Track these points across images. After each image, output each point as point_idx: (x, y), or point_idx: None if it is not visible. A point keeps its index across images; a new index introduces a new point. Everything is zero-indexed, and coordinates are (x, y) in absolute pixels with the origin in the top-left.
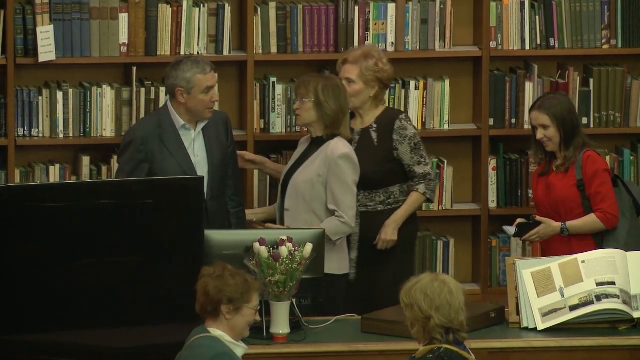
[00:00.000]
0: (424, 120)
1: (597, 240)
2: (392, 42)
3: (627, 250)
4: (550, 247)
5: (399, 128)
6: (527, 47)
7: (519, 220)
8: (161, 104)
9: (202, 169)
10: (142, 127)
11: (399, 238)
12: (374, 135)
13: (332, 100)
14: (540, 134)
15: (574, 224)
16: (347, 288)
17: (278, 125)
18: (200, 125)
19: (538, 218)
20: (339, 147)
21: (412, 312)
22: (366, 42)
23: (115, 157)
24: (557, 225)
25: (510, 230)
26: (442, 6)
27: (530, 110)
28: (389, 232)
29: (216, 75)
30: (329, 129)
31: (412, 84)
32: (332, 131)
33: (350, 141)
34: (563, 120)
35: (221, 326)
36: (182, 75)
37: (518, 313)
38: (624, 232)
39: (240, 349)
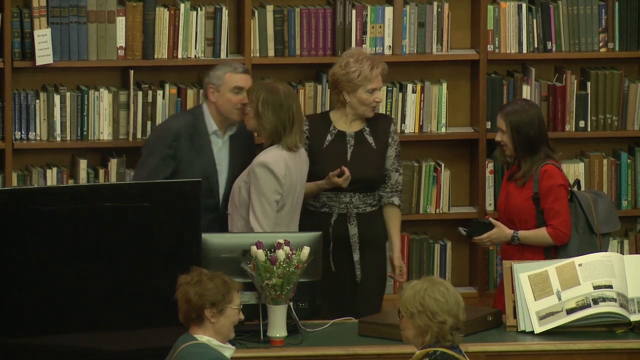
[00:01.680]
0: (421, 124)
1: (548, 254)
2: (390, 46)
3: None
4: (505, 255)
5: (393, 132)
6: (525, 51)
7: (473, 220)
8: (158, 107)
9: (222, 177)
10: (177, 122)
11: (380, 235)
12: (370, 139)
13: (269, 113)
14: (498, 137)
15: (525, 234)
16: (354, 289)
17: None
18: (228, 134)
19: (492, 221)
20: (262, 155)
21: (422, 319)
22: (363, 45)
23: (112, 161)
24: (509, 232)
25: (464, 231)
26: (439, 9)
27: (499, 113)
28: (400, 259)
29: (250, 80)
30: (269, 139)
31: (410, 87)
32: (272, 141)
33: (291, 150)
34: (518, 130)
35: (207, 331)
36: (214, 73)
37: (515, 316)
38: (575, 248)
39: (228, 351)
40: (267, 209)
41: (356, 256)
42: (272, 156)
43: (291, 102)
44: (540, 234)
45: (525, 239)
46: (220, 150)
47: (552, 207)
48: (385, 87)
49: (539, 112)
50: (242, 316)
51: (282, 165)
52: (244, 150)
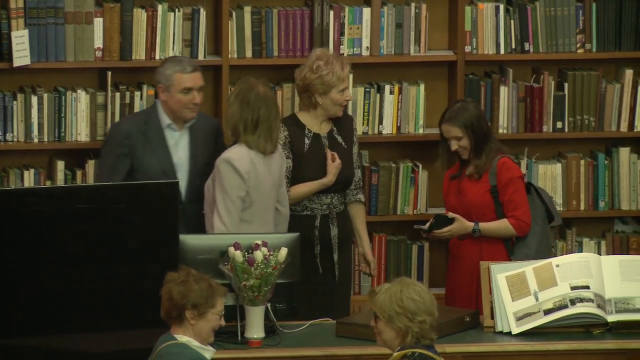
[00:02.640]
0: (398, 125)
1: (508, 246)
2: (367, 47)
3: (536, 257)
4: (459, 251)
5: (355, 130)
6: (502, 52)
7: (436, 214)
8: (136, 108)
9: (182, 170)
10: (128, 122)
11: (351, 233)
12: (339, 138)
13: (236, 106)
14: (454, 146)
15: (486, 226)
16: (332, 289)
17: None
18: (186, 125)
19: (451, 215)
20: (226, 152)
21: (402, 321)
22: (341, 46)
23: (90, 162)
24: (469, 224)
25: (424, 226)
26: (417, 10)
27: (440, 122)
28: (371, 254)
29: (200, 77)
30: (229, 133)
31: (387, 88)
32: (232, 136)
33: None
34: (473, 128)
35: (187, 332)
36: (163, 72)
37: (492, 317)
38: (534, 239)
39: (208, 353)
40: (230, 205)
41: (336, 256)
42: (236, 153)
43: (260, 105)
44: (503, 225)
45: (486, 230)
46: (178, 143)
47: (513, 198)
48: (363, 88)
49: (478, 105)
50: (222, 322)
51: (246, 162)
52: (208, 142)
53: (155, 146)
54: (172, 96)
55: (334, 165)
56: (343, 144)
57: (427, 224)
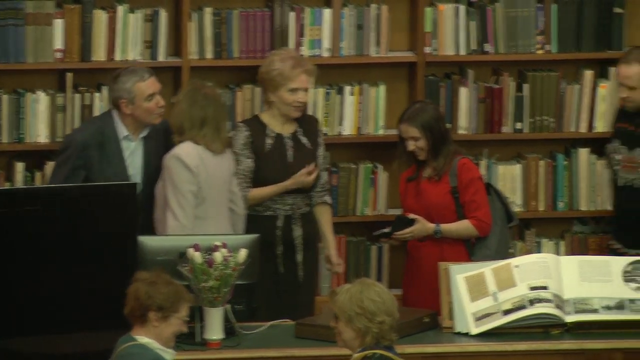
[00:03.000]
0: (359, 126)
1: (468, 246)
2: (328, 48)
3: (496, 257)
4: (419, 252)
5: (320, 132)
6: (462, 53)
7: (397, 216)
8: (96, 110)
9: (137, 180)
10: (83, 132)
11: (317, 234)
12: (304, 139)
13: (182, 105)
14: (411, 146)
15: (447, 227)
16: (297, 289)
17: None
18: (141, 136)
19: (412, 216)
20: (173, 149)
21: (362, 321)
22: (301, 47)
23: (49, 164)
24: (431, 226)
25: (385, 229)
26: (377, 12)
27: (399, 122)
28: (337, 256)
29: (157, 80)
30: (175, 131)
31: (348, 89)
32: (179, 136)
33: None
34: (431, 129)
35: (149, 333)
36: (122, 87)
37: (451, 318)
38: (494, 239)
39: (168, 355)
40: (182, 200)
41: (300, 257)
42: (184, 148)
43: (208, 104)
44: (464, 226)
45: (448, 231)
46: (133, 153)
47: (474, 199)
48: (324, 89)
49: (437, 107)
50: (185, 328)
51: (194, 156)
52: (160, 151)
53: (112, 158)
54: (139, 106)
55: (302, 174)
56: (308, 145)
57: (389, 228)
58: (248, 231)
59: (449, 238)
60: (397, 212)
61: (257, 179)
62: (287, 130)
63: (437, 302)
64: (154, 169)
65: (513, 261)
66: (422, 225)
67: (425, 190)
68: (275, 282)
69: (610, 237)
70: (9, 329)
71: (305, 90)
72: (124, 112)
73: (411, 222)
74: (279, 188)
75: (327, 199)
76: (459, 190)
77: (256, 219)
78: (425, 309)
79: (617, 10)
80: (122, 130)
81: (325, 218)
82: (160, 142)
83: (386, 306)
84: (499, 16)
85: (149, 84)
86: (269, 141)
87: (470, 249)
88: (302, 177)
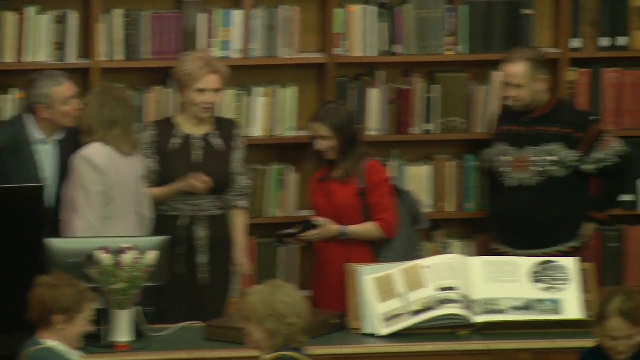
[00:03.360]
0: (270, 127)
1: (374, 248)
2: (238, 49)
3: (403, 259)
4: (326, 254)
5: (238, 136)
6: (373, 54)
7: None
8: (5, 112)
9: (52, 183)
10: None
11: (229, 238)
12: (217, 142)
13: (92, 107)
14: (321, 145)
15: (353, 229)
16: (201, 292)
17: None
18: (55, 139)
19: (319, 219)
20: (81, 150)
21: (272, 323)
22: (212, 49)
23: None
24: (336, 228)
25: (291, 230)
26: (288, 13)
27: (311, 121)
28: (244, 257)
29: (73, 84)
30: (83, 131)
31: (258, 90)
32: (88, 137)
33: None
34: (342, 129)
35: (54, 336)
36: (39, 92)
37: (360, 319)
38: (401, 241)
39: (75, 357)
40: (90, 201)
41: (204, 259)
42: (92, 149)
43: (118, 106)
44: (370, 228)
45: (354, 233)
46: (48, 157)
47: (381, 201)
48: (234, 91)
49: (348, 109)
50: (90, 328)
51: (102, 157)
52: (72, 147)
53: (25, 163)
54: (57, 110)
55: (196, 179)
56: (220, 147)
57: (293, 229)
58: (153, 230)
59: (356, 240)
60: (307, 213)
61: (162, 179)
62: (199, 131)
63: (345, 303)
64: (65, 172)
65: (422, 262)
66: (329, 227)
67: (334, 191)
68: (176, 283)
69: (493, 240)
70: None
71: (215, 91)
72: (41, 116)
73: (317, 225)
74: (170, 189)
75: (242, 203)
76: (366, 192)
77: (160, 219)
78: (333, 311)
79: (526, 11)
80: (36, 134)
81: (236, 221)
82: (73, 144)
83: (296, 308)
84: (409, 17)
85: (66, 88)
86: (175, 141)
87: (376, 251)
88: (195, 181)
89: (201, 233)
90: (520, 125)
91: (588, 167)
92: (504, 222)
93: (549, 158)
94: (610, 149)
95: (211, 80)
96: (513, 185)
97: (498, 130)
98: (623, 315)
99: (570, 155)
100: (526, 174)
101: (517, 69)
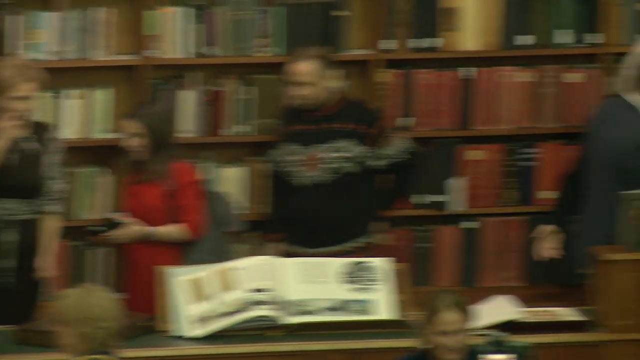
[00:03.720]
0: (84, 130)
1: (184, 250)
2: (51, 51)
3: (213, 261)
4: (134, 256)
5: (52, 140)
6: (187, 55)
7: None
8: None
9: None
10: None
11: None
12: (31, 145)
13: None
14: (132, 142)
15: (160, 230)
16: (6, 296)
17: None
18: None
19: (122, 218)
20: None
21: (85, 326)
22: (23, 51)
23: None
24: (143, 229)
25: (98, 227)
26: (102, 15)
27: (125, 119)
28: (45, 262)
29: None
30: None
31: (72, 93)
32: None
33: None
34: (155, 129)
35: None
36: None
37: (168, 321)
38: (209, 243)
39: None
40: None
41: (10, 263)
42: None
43: None
44: (177, 229)
45: (161, 234)
46: None
47: (189, 202)
48: (48, 93)
49: (166, 110)
50: None
51: None
52: None
53: None
54: None
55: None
56: (31, 152)
57: (98, 227)
58: None
59: (164, 241)
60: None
61: None
62: (13, 134)
63: (154, 305)
64: None
65: (234, 264)
66: (134, 227)
67: (143, 192)
68: None
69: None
70: None
71: (29, 98)
72: None
73: (124, 224)
74: None
75: (51, 208)
76: (174, 194)
77: None
78: (142, 313)
79: (340, 12)
80: None
81: (44, 225)
82: None
83: (109, 311)
84: (223, 19)
85: None
86: None
87: (185, 252)
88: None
89: (9, 237)
90: (308, 123)
91: (378, 163)
92: (294, 223)
93: (339, 155)
94: (397, 146)
95: (24, 88)
96: (305, 184)
97: (286, 130)
98: (456, 307)
99: (362, 151)
100: (317, 172)
101: (305, 67)
